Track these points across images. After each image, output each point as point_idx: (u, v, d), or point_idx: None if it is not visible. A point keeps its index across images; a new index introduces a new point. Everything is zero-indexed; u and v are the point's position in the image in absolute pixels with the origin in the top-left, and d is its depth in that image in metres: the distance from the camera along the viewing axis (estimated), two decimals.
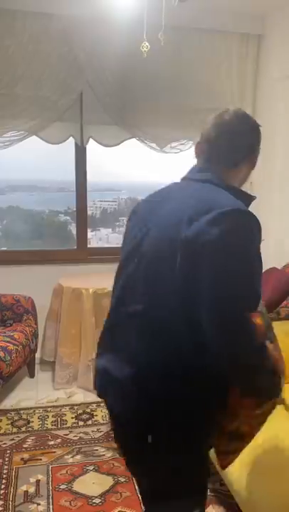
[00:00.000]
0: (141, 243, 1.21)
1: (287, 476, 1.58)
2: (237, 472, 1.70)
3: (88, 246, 3.71)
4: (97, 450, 2.44)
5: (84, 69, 3.20)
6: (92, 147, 3.47)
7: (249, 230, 1.08)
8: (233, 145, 1.25)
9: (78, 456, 2.38)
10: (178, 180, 1.32)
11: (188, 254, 1.06)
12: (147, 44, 2.02)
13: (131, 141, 3.47)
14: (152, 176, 3.84)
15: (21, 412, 2.82)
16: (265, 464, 1.67)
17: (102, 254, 3.61)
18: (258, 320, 1.05)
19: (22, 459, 2.34)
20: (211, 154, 1.26)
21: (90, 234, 3.80)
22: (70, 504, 2.01)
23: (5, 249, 3.76)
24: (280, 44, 3.27)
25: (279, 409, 2.09)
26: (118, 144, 3.45)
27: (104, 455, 2.39)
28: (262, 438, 1.82)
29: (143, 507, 1.38)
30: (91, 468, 2.28)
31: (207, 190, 1.19)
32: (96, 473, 2.25)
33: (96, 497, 2.07)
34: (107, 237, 4.17)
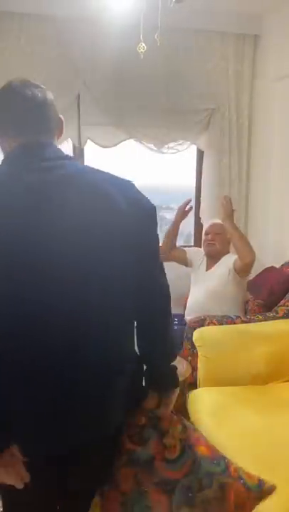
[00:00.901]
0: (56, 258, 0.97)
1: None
2: None
3: None
4: None
5: (81, 70, 3.21)
6: (89, 148, 3.47)
7: None
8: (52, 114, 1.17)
9: None
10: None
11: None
12: (144, 45, 2.03)
13: (128, 142, 3.48)
14: (150, 176, 3.85)
15: None
16: (266, 461, 1.67)
17: None
18: None
19: None
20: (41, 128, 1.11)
21: None
22: None
23: None
24: (276, 44, 3.28)
25: (281, 406, 2.11)
26: (116, 144, 3.45)
27: None
28: (264, 435, 1.83)
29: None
30: None
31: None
32: None
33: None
34: None
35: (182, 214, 3.08)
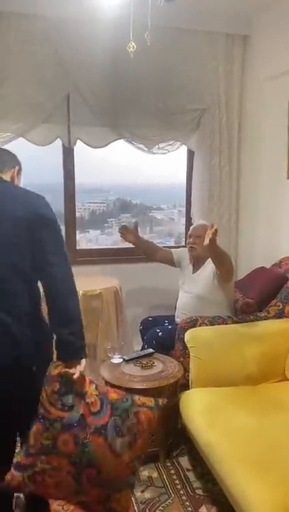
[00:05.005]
0: None
1: (281, 474, 1.58)
2: (230, 471, 1.70)
3: (77, 248, 3.69)
4: None
5: (70, 70, 3.19)
6: (79, 148, 3.45)
7: None
8: None
9: None
10: None
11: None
12: (134, 44, 2.01)
13: (119, 142, 3.46)
14: (140, 177, 3.84)
15: None
16: (258, 462, 1.67)
17: (91, 256, 3.58)
18: None
19: None
20: None
21: (78, 236, 3.77)
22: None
23: None
24: (266, 45, 3.30)
25: (273, 406, 2.11)
26: (106, 145, 3.43)
27: None
28: (256, 436, 1.83)
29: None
30: None
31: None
32: None
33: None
34: (96, 239, 4.15)
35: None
